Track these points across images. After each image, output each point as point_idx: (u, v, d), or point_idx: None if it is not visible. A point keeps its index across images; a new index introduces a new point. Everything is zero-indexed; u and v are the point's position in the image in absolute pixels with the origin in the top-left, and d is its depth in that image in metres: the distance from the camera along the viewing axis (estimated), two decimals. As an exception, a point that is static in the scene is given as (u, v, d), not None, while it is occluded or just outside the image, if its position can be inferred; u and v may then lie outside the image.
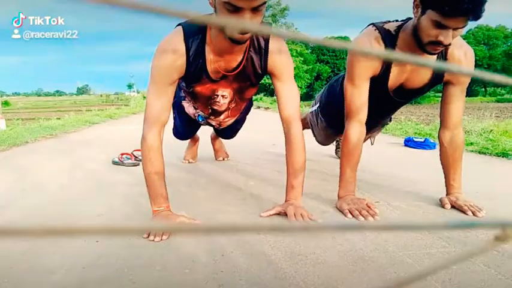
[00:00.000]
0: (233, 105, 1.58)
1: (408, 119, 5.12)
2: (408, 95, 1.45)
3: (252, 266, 0.94)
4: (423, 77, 1.36)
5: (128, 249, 1.03)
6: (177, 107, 1.81)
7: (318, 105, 1.88)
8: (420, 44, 1.19)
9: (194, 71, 1.27)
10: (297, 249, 1.03)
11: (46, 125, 4.69)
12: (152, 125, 1.21)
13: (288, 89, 1.31)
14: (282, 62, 1.29)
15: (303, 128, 2.08)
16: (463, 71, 1.02)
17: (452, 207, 1.37)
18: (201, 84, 1.37)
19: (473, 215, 1.29)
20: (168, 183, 1.50)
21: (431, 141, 2.91)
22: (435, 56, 1.27)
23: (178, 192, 1.59)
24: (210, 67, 1.27)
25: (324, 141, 2.08)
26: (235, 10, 1.02)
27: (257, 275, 0.89)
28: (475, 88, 38.59)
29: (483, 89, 38.38)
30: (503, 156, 2.47)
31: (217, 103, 1.50)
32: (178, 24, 1.24)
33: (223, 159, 2.41)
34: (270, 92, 25.79)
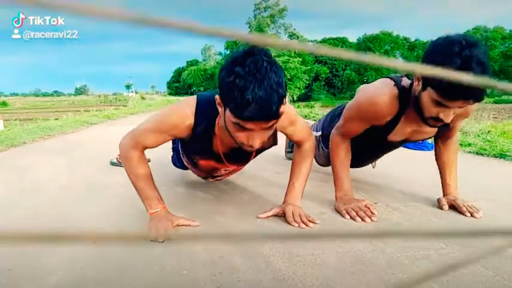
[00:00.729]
0: (235, 171, 1.61)
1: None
2: (410, 142, 1.48)
3: (251, 267, 0.94)
4: (428, 131, 1.35)
5: (126, 250, 1.03)
6: (176, 156, 1.72)
7: (320, 133, 1.84)
8: (421, 116, 1.16)
9: (198, 148, 1.25)
10: (296, 250, 1.03)
11: (44, 125, 4.67)
12: (137, 147, 1.17)
13: (296, 129, 1.28)
14: (287, 124, 1.23)
15: None
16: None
17: (450, 207, 1.37)
18: (203, 160, 1.35)
19: (471, 216, 1.29)
20: (166, 185, 1.49)
21: (430, 142, 2.91)
22: None
23: (177, 194, 1.59)
24: (216, 149, 1.23)
25: (324, 164, 2.03)
26: (245, 129, 0.98)
27: (255, 276, 0.89)
28: (473, 89, 38.69)
29: (481, 90, 38.43)
30: (500, 157, 2.48)
31: (218, 173, 1.52)
32: (197, 95, 1.19)
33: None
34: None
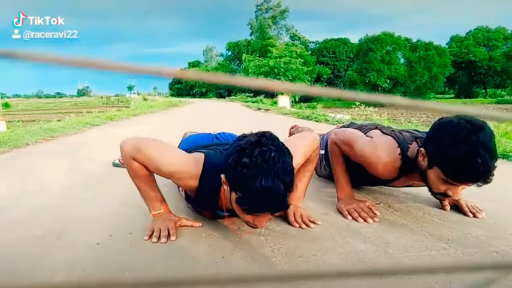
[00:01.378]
0: None
1: (408, 120, 5.12)
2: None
3: (253, 268, 0.94)
4: None
5: (128, 252, 1.03)
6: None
7: (324, 151, 1.78)
8: (429, 190, 1.16)
9: (202, 203, 1.23)
10: (298, 251, 1.03)
11: (46, 127, 4.69)
12: (135, 161, 1.13)
13: (297, 156, 1.20)
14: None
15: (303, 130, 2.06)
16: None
17: (453, 208, 1.37)
18: (206, 211, 1.32)
19: (474, 216, 1.29)
20: (167, 186, 1.49)
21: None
22: None
23: (179, 196, 1.59)
24: (221, 206, 1.18)
25: (324, 177, 2.00)
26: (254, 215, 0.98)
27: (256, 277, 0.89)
28: (475, 90, 38.62)
29: (483, 91, 38.40)
30: (503, 158, 2.47)
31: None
32: (205, 154, 1.15)
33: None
34: (270, 93, 25.82)
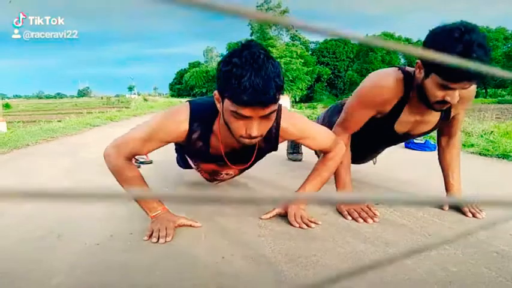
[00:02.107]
0: (237, 176, 1.60)
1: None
2: (414, 135, 1.47)
3: (252, 268, 0.93)
4: (430, 123, 1.36)
5: (128, 253, 1.03)
6: (179, 157, 1.73)
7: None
8: (427, 103, 1.18)
9: (195, 152, 1.24)
10: (297, 252, 1.03)
11: (47, 127, 4.69)
12: (123, 155, 1.17)
13: (315, 138, 1.27)
14: (296, 129, 1.23)
15: None
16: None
17: (452, 208, 1.37)
18: (205, 163, 1.36)
19: (474, 216, 1.29)
20: (167, 186, 1.49)
21: (432, 142, 2.90)
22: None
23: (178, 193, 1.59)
24: (213, 152, 1.23)
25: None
26: (243, 118, 0.98)
27: (257, 277, 0.89)
28: (475, 89, 38.56)
29: (484, 91, 38.36)
30: (504, 158, 2.47)
31: (220, 176, 1.52)
32: (188, 101, 1.19)
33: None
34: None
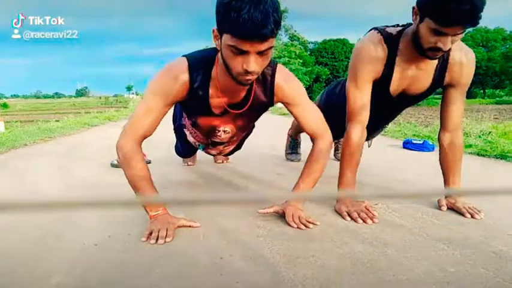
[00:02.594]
0: (234, 139, 1.59)
1: (407, 121, 5.12)
2: (410, 99, 1.46)
3: (251, 269, 0.93)
4: (424, 81, 1.36)
5: (126, 253, 1.03)
6: (179, 133, 1.76)
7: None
8: (420, 50, 1.20)
9: (196, 103, 1.25)
10: (296, 252, 1.03)
11: (45, 127, 4.68)
12: (132, 137, 1.17)
13: (305, 110, 1.29)
14: (290, 89, 1.26)
15: (302, 131, 2.07)
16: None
17: (451, 209, 1.37)
18: (203, 117, 1.36)
19: (472, 217, 1.29)
20: (167, 186, 1.49)
21: (430, 143, 2.91)
22: (436, 61, 1.28)
23: (177, 195, 1.59)
24: (213, 101, 1.24)
25: None
26: (241, 53, 1.00)
27: (255, 278, 0.89)
28: (473, 90, 38.64)
29: (482, 91, 38.46)
30: (502, 158, 2.48)
31: (218, 137, 1.51)
32: (183, 56, 1.21)
33: (223, 162, 2.41)
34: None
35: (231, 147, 1.72)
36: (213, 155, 1.88)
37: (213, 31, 1.05)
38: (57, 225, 1.23)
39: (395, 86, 1.38)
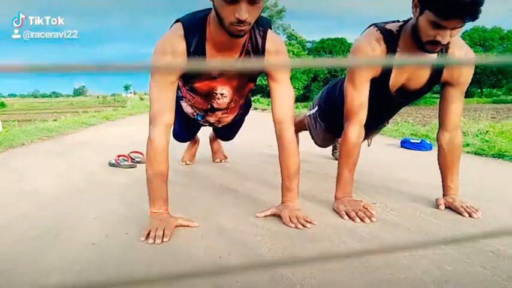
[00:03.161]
0: (232, 105, 1.59)
1: (405, 120, 5.13)
2: (408, 96, 1.46)
3: (249, 268, 0.93)
4: (423, 76, 1.37)
5: (125, 252, 1.03)
6: (176, 106, 1.78)
7: (316, 109, 1.88)
8: (420, 43, 1.20)
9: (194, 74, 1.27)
10: (294, 251, 1.03)
11: (42, 126, 4.67)
12: (156, 126, 1.19)
13: (283, 91, 1.30)
14: (276, 54, 1.28)
15: (301, 130, 2.07)
16: (462, 61, 1.02)
17: (449, 208, 1.37)
18: (200, 81, 1.38)
19: (470, 216, 1.29)
20: (169, 187, 1.49)
21: (428, 142, 2.92)
22: (435, 55, 1.28)
23: (175, 194, 1.59)
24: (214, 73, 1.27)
25: (322, 144, 2.09)
26: (232, 2, 1.03)
27: (254, 277, 0.89)
28: (471, 89, 38.74)
29: (479, 90, 38.57)
30: (499, 157, 2.48)
31: (216, 101, 1.51)
32: (177, 20, 1.24)
33: (221, 161, 2.41)
34: (267, 93, 25.79)
35: (230, 117, 1.73)
36: (212, 125, 1.84)
37: None
38: (54, 224, 1.23)
39: (393, 81, 1.38)
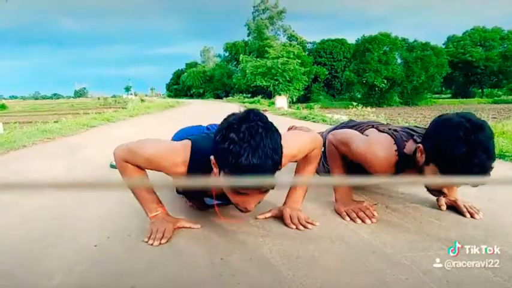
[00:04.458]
0: None
1: (405, 120, 5.13)
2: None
3: (251, 269, 0.94)
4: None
5: (127, 254, 1.03)
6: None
7: (322, 149, 1.80)
8: (426, 186, 1.18)
9: (189, 193, 1.25)
10: (295, 252, 1.03)
11: (43, 128, 4.67)
12: (129, 163, 1.15)
13: (300, 154, 1.24)
14: (290, 159, 1.18)
15: None
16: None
17: (450, 207, 1.37)
18: (198, 202, 1.36)
19: (471, 216, 1.29)
20: (167, 188, 1.49)
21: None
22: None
23: (177, 196, 1.59)
24: (211, 193, 1.19)
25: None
26: (241, 194, 0.99)
27: (256, 278, 0.89)
28: (471, 90, 38.73)
29: (480, 91, 38.54)
30: (500, 158, 2.48)
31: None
32: (189, 139, 1.15)
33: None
34: (267, 93, 25.79)
35: None
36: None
37: (211, 159, 0.99)
38: (56, 226, 1.23)
39: None
